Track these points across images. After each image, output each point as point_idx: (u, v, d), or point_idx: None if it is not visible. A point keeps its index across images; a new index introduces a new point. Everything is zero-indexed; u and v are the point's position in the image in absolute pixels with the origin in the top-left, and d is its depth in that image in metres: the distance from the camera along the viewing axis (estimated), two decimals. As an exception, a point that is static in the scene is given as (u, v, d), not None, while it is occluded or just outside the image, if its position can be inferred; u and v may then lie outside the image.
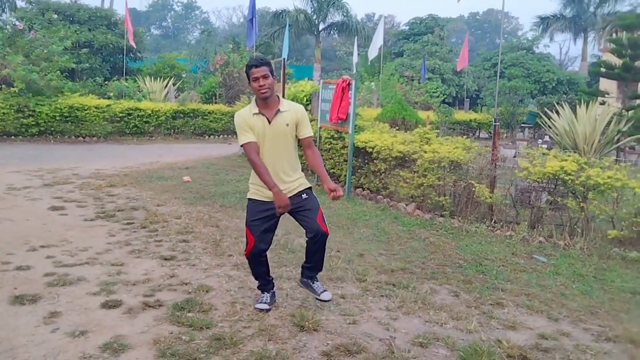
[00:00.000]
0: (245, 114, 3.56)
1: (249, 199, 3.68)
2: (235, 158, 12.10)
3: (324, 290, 3.79)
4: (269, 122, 3.52)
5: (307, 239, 3.66)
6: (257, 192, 3.63)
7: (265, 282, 3.83)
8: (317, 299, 3.78)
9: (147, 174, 9.46)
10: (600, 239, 5.60)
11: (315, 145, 3.69)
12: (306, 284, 3.85)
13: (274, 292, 3.88)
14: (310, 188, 3.74)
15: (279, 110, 3.54)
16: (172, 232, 5.68)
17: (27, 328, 3.29)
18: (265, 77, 3.44)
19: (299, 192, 3.65)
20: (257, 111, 3.53)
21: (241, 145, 3.56)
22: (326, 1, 32.19)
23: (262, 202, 3.60)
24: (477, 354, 3.16)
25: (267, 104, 3.53)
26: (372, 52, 20.93)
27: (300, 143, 3.70)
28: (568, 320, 3.87)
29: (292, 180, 3.63)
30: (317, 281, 3.85)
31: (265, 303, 3.76)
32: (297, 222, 3.72)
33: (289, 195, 3.54)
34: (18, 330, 3.26)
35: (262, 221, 3.60)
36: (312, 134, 3.72)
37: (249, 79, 3.53)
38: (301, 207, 3.62)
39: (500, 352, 3.26)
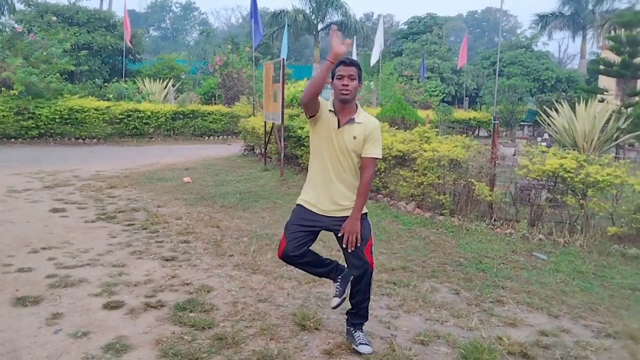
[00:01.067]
0: (326, 103, 3.21)
1: (297, 204, 3.34)
2: (235, 159, 12.13)
3: (365, 343, 3.22)
4: (338, 126, 3.15)
5: (351, 277, 3.25)
6: (306, 199, 3.29)
7: (326, 273, 3.42)
8: (354, 348, 3.22)
9: (148, 175, 9.48)
10: (599, 236, 5.61)
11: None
12: (348, 332, 3.34)
13: (342, 274, 3.36)
14: (365, 214, 3.30)
15: (353, 119, 3.16)
16: (173, 233, 5.69)
17: (29, 329, 3.30)
18: (351, 77, 3.12)
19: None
20: (333, 108, 3.19)
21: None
22: (325, 1, 32.25)
23: (309, 211, 3.26)
24: (477, 351, 3.17)
25: (343, 107, 3.17)
26: (375, 55, 20.93)
27: (362, 161, 3.21)
28: (568, 317, 3.89)
29: (350, 201, 3.21)
30: (361, 331, 3.33)
31: (335, 297, 3.33)
32: (339, 248, 3.32)
33: (338, 216, 3.21)
34: (21, 331, 3.27)
35: (299, 229, 3.26)
36: (378, 157, 3.23)
37: (332, 77, 3.17)
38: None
39: (500, 349, 3.27)
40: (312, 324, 3.49)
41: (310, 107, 3.12)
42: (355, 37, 28.08)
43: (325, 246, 5.34)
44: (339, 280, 3.36)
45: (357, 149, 3.16)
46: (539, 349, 3.33)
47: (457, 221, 6.29)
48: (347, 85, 3.10)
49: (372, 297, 4.03)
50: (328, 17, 33.91)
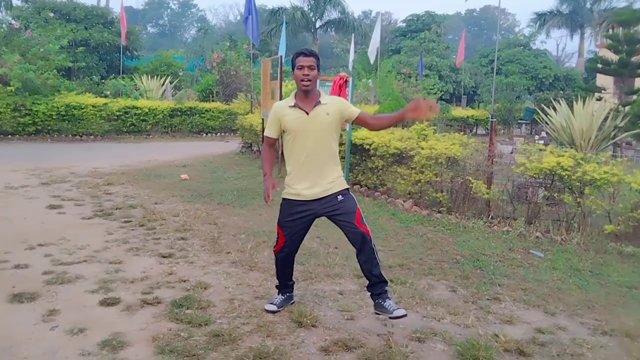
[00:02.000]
0: (281, 105, 3.48)
1: (283, 199, 3.51)
2: (232, 156, 12.11)
3: (397, 308, 3.38)
4: (307, 114, 3.35)
5: (355, 254, 3.49)
6: (290, 191, 3.46)
7: (284, 285, 3.72)
8: (390, 317, 3.38)
9: (145, 172, 9.46)
10: (596, 233, 5.62)
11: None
12: (378, 305, 3.44)
13: (289, 296, 3.75)
14: (347, 189, 3.51)
15: (319, 102, 3.37)
16: (170, 229, 5.68)
17: (26, 326, 3.30)
18: (311, 67, 3.32)
19: (334, 193, 3.42)
20: (294, 104, 3.39)
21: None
22: (323, -2, 32.19)
23: (297, 202, 3.44)
24: (474, 348, 3.17)
25: (306, 97, 3.38)
26: (372, 53, 20.89)
27: (359, 123, 3.59)
28: (565, 314, 3.89)
29: (330, 181, 3.42)
30: (388, 298, 3.45)
31: (274, 305, 3.64)
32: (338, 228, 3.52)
33: (323, 196, 3.40)
34: (17, 328, 3.26)
35: (294, 222, 3.47)
36: (359, 109, 3.50)
37: (293, 67, 3.36)
38: (337, 211, 3.41)
39: (497, 346, 3.28)
40: (308, 321, 3.49)
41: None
42: (353, 34, 28.01)
43: (323, 243, 5.35)
44: (286, 295, 3.74)
45: (333, 124, 3.41)
46: (535, 346, 3.33)
47: (454, 219, 6.29)
48: (308, 74, 3.31)
49: (368, 294, 4.06)
50: (326, 14, 33.86)
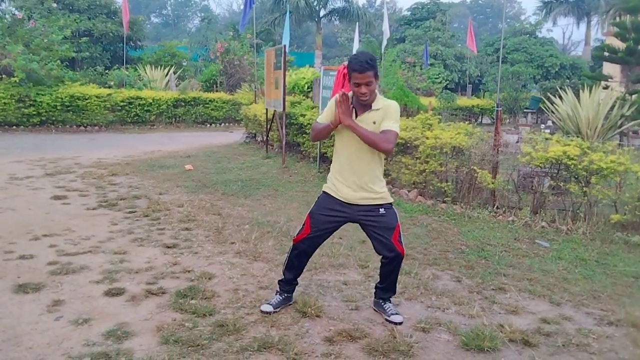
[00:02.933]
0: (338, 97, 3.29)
1: (324, 191, 3.45)
2: (236, 146, 12.10)
3: (396, 313, 3.47)
4: (356, 116, 3.23)
5: (380, 259, 3.45)
6: (332, 187, 3.38)
7: (287, 282, 3.60)
8: (386, 319, 3.45)
9: (149, 162, 9.47)
10: (602, 223, 5.59)
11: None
12: (377, 304, 3.59)
13: (288, 297, 3.62)
14: (391, 204, 3.41)
15: (370, 107, 3.23)
16: (175, 220, 5.68)
17: (30, 316, 3.30)
18: (368, 84, 3.13)
19: (378, 205, 3.32)
20: (352, 101, 3.26)
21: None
22: (327, -13, 31.95)
23: (335, 199, 3.36)
24: (479, 338, 3.16)
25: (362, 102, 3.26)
26: (385, 41, 20.76)
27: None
28: (570, 304, 3.87)
29: (374, 191, 3.31)
30: (390, 302, 3.58)
31: (271, 305, 3.52)
32: (368, 237, 3.48)
33: (365, 204, 3.31)
34: (22, 318, 3.27)
35: (326, 217, 3.40)
36: (393, 129, 3.21)
37: (349, 78, 3.18)
38: (376, 223, 3.33)
39: (502, 336, 3.26)
40: (313, 311, 3.48)
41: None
42: (357, 23, 27.82)
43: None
44: (284, 295, 3.60)
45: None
46: (540, 337, 3.32)
47: (459, 209, 6.26)
48: (365, 92, 3.14)
49: (373, 284, 4.05)
50: (330, 3, 33.62)
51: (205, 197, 6.85)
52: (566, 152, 5.58)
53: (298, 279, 3.66)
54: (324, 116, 3.37)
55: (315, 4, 32.82)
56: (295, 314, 3.47)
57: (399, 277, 4.12)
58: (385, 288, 3.56)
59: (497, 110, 6.81)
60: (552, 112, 12.99)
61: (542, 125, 15.17)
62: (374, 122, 3.21)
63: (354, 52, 24.36)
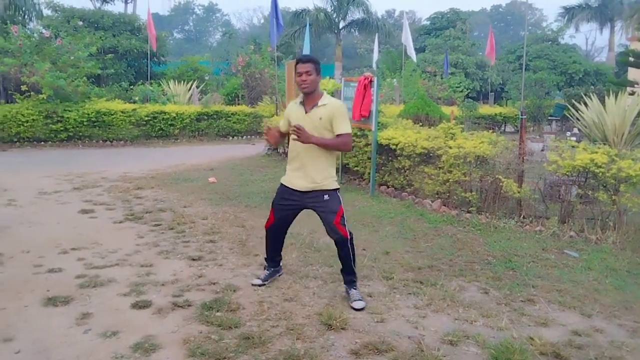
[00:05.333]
0: (292, 103, 3.94)
1: (281, 183, 3.99)
2: (258, 158, 12.16)
3: (358, 299, 3.80)
4: (306, 112, 3.77)
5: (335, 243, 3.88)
6: (286, 177, 3.93)
7: (271, 259, 4.22)
8: (350, 305, 3.78)
9: (173, 175, 9.58)
10: (633, 232, 5.46)
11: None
12: (346, 290, 3.95)
13: (276, 270, 4.24)
14: (336, 190, 3.85)
15: (317, 103, 3.74)
16: (199, 232, 5.73)
17: (60, 329, 3.35)
18: (308, 72, 3.69)
19: (322, 190, 3.79)
20: (301, 100, 3.84)
21: None
22: (346, -1, 32.11)
23: (288, 188, 3.90)
24: (508, 351, 3.10)
25: (308, 97, 3.79)
26: (412, 53, 20.69)
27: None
28: (602, 316, 3.78)
29: (320, 179, 3.79)
30: (355, 289, 3.89)
31: (259, 279, 4.15)
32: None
33: (310, 190, 3.79)
34: (51, 331, 3.32)
35: (283, 207, 3.96)
36: (347, 131, 3.75)
37: (295, 72, 3.76)
38: (321, 208, 3.80)
39: (532, 349, 3.20)
40: (338, 324, 3.46)
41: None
42: (377, 34, 27.90)
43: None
44: (271, 269, 4.22)
45: (326, 128, 3.73)
46: (572, 349, 3.24)
47: (484, 219, 6.18)
48: (305, 80, 3.69)
49: (398, 296, 4.03)
50: (349, 14, 33.77)
51: (228, 209, 6.90)
52: (594, 160, 5.47)
53: (280, 254, 4.27)
54: (280, 124, 4.03)
55: (334, 16, 33.02)
56: (321, 327, 3.46)
57: (425, 289, 4.12)
58: (344, 271, 3.92)
59: (521, 119, 6.72)
60: (577, 119, 12.78)
61: (568, 133, 14.91)
62: (320, 118, 3.71)
63: (374, 62, 24.47)
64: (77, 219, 6.35)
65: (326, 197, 3.79)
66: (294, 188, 3.85)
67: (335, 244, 3.86)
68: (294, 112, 3.86)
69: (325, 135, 3.75)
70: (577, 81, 27.60)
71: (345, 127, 3.74)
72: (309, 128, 3.69)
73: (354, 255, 3.88)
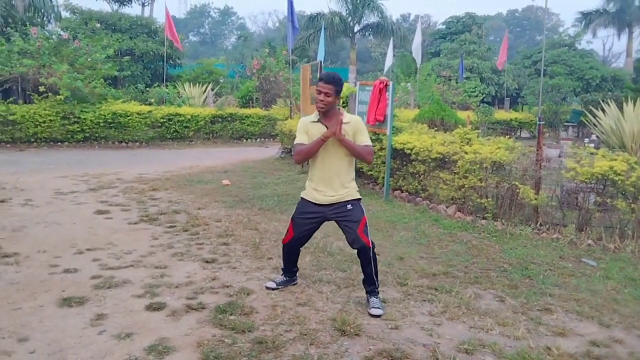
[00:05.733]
0: (306, 120, 3.91)
1: (301, 198, 3.99)
2: (272, 161, 12.18)
3: (376, 307, 3.78)
4: (327, 129, 3.73)
5: (356, 253, 3.88)
6: (308, 193, 3.93)
7: (288, 270, 4.23)
8: (369, 312, 3.76)
9: (188, 177, 9.62)
10: (652, 241, 5.36)
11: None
12: (366, 298, 3.91)
13: (291, 279, 4.25)
14: (358, 200, 3.88)
15: (341, 122, 3.70)
16: (213, 235, 5.74)
17: (74, 330, 3.37)
18: (327, 94, 3.70)
19: (345, 201, 3.82)
20: (317, 119, 3.82)
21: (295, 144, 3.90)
22: (361, 3, 32.07)
23: (310, 203, 3.90)
24: (525, 361, 3.05)
25: (326, 116, 3.79)
26: (417, 57, 20.69)
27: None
28: (620, 326, 3.71)
29: (343, 191, 3.83)
30: (376, 297, 3.87)
31: (273, 282, 4.20)
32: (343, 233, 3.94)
33: (334, 202, 3.82)
34: (66, 332, 3.34)
35: (304, 221, 3.93)
36: (371, 144, 3.84)
37: (316, 88, 3.81)
38: (344, 217, 3.81)
39: (550, 359, 3.14)
40: (352, 330, 3.43)
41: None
42: (392, 38, 27.84)
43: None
44: (287, 277, 4.24)
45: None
46: (590, 360, 3.18)
47: (500, 225, 6.11)
48: (323, 100, 3.72)
49: (412, 302, 4.00)
50: (364, 18, 33.73)
51: (242, 212, 6.90)
52: (613, 168, 5.38)
53: (297, 265, 4.28)
54: (302, 139, 3.85)
55: (349, 19, 33.02)
56: (334, 332, 3.43)
57: (440, 297, 4.08)
58: (366, 281, 3.89)
59: (539, 124, 6.65)
60: (595, 125, 12.64)
61: (586, 139, 14.74)
62: (346, 134, 3.73)
63: (389, 66, 24.43)
64: (92, 219, 6.40)
65: (349, 207, 3.82)
66: (317, 202, 3.86)
67: (358, 253, 3.84)
68: (313, 130, 3.81)
69: (345, 152, 3.80)
70: (593, 87, 27.31)
71: (367, 138, 3.83)
72: (335, 146, 3.76)
73: (376, 264, 3.85)
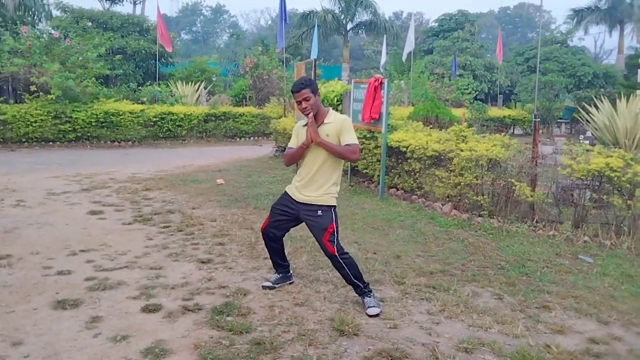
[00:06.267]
0: (299, 124, 3.98)
1: (285, 190, 4.05)
2: (266, 160, 12.13)
3: (372, 306, 3.74)
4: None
5: None
6: (290, 187, 3.99)
7: (276, 264, 4.22)
8: (366, 312, 3.73)
9: (182, 177, 9.56)
10: (648, 237, 5.37)
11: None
12: (361, 300, 3.88)
13: (286, 275, 4.24)
14: (330, 207, 3.83)
15: (323, 122, 3.78)
16: (208, 235, 5.69)
17: (69, 333, 3.31)
18: (306, 99, 3.71)
19: (317, 205, 3.81)
20: (306, 122, 3.83)
21: None
22: (354, 1, 32.04)
23: (289, 197, 3.96)
24: (525, 360, 3.04)
25: (315, 118, 3.79)
26: (405, 53, 20.70)
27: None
28: (619, 323, 3.71)
29: (318, 194, 3.82)
30: (368, 297, 3.83)
31: (269, 281, 4.17)
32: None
33: (306, 202, 3.83)
34: (61, 335, 3.28)
35: (280, 212, 4.00)
36: (354, 142, 3.77)
37: (295, 101, 3.82)
38: (313, 222, 3.83)
39: (549, 358, 3.13)
40: (350, 330, 3.40)
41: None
42: (385, 36, 27.83)
43: (361, 249, 5.26)
44: (281, 274, 4.23)
45: (335, 142, 3.74)
46: (590, 358, 3.18)
47: (496, 223, 6.10)
48: (306, 107, 3.72)
49: (410, 301, 3.98)
50: (357, 16, 33.70)
51: (237, 211, 6.86)
52: (609, 164, 5.39)
53: (287, 261, 4.27)
54: (293, 142, 3.98)
55: (342, 17, 32.97)
56: (333, 332, 3.40)
57: (438, 295, 4.06)
58: (350, 285, 3.89)
59: (534, 121, 6.64)
60: (588, 122, 12.67)
61: (581, 136, 14.80)
62: (327, 135, 3.74)
63: (382, 64, 24.41)
64: (86, 220, 6.33)
65: (319, 212, 3.80)
66: (294, 198, 3.91)
67: (327, 256, 3.88)
68: (302, 133, 3.89)
69: (327, 153, 3.80)
70: (585, 84, 27.41)
71: (351, 137, 3.77)
72: (317, 149, 3.78)
73: (349, 269, 3.79)
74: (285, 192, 4.02)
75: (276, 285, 4.14)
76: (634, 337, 3.51)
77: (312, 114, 3.73)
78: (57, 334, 3.29)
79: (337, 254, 3.75)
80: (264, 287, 4.11)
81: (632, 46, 38.01)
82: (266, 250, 5.09)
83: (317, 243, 3.96)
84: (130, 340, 3.23)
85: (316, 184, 3.82)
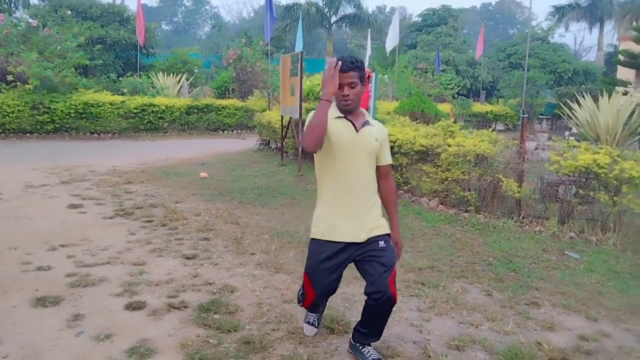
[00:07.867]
0: (331, 114, 2.79)
1: (313, 239, 2.90)
2: (250, 153, 12.02)
3: (377, 357, 2.92)
4: (357, 130, 2.79)
5: (366, 296, 2.82)
6: (325, 229, 2.83)
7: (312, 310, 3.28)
8: None
9: (164, 170, 9.39)
10: (633, 233, 5.41)
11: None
12: (354, 348, 3.00)
13: (323, 311, 3.36)
14: (389, 235, 2.91)
15: (367, 121, 2.84)
16: (193, 229, 5.57)
17: (50, 332, 3.19)
18: (351, 85, 2.73)
19: (378, 236, 2.82)
20: (341, 115, 2.80)
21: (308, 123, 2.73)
22: (338, -7, 31.95)
23: (331, 243, 2.82)
24: (517, 357, 3.02)
25: (351, 112, 2.82)
26: (389, 47, 20.69)
27: (378, 170, 2.93)
28: (607, 320, 3.71)
29: (375, 221, 2.84)
30: (369, 346, 2.99)
31: (313, 325, 3.25)
32: (358, 272, 2.93)
33: (364, 237, 2.80)
34: (42, 334, 3.16)
35: (328, 271, 2.85)
36: (390, 161, 3.01)
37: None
38: (374, 257, 2.78)
39: (541, 355, 3.11)
40: (341, 327, 3.34)
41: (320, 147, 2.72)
42: (369, 30, 27.78)
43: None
44: (320, 310, 3.31)
45: (376, 152, 2.85)
46: (581, 355, 3.16)
47: (483, 218, 6.10)
48: (348, 95, 2.73)
49: (400, 298, 3.91)
50: (341, 9, 33.62)
51: (222, 205, 6.75)
52: (596, 161, 5.40)
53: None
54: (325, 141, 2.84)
55: (326, 10, 32.84)
56: (323, 330, 3.33)
57: (428, 291, 4.02)
58: (368, 334, 2.95)
59: (522, 117, 6.65)
60: (569, 117, 12.80)
61: (567, 133, 14.95)
62: (376, 139, 2.82)
63: (366, 58, 24.34)
64: (65, 214, 6.16)
65: (382, 243, 2.82)
66: (348, 241, 2.80)
67: (376, 302, 2.78)
68: (341, 129, 2.77)
69: (372, 161, 2.87)
70: (566, 80, 27.79)
71: (390, 157, 3.01)
72: (364, 152, 2.79)
73: (387, 320, 2.95)
74: (321, 240, 2.85)
75: (319, 328, 3.30)
76: (622, 333, 3.51)
77: (351, 107, 2.77)
78: (38, 333, 3.16)
79: (396, 301, 2.82)
80: (308, 335, 3.24)
81: (611, 43, 38.68)
82: (252, 244, 5.06)
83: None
84: (114, 339, 3.12)
85: (370, 207, 2.83)
